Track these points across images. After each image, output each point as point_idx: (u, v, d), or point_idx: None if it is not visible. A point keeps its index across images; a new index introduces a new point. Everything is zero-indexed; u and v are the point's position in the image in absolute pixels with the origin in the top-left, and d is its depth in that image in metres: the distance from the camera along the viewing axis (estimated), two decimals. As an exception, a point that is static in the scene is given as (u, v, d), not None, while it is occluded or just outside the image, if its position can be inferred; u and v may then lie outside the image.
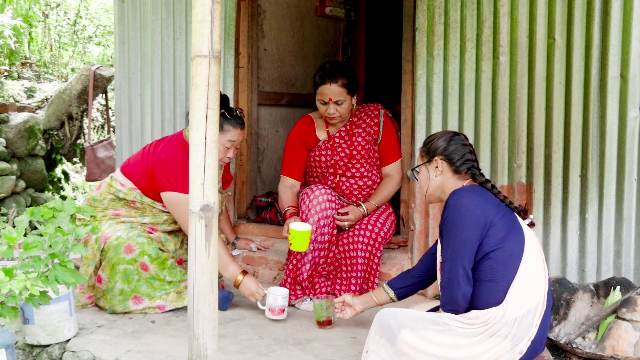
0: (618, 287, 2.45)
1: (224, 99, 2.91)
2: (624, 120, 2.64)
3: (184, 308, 2.89)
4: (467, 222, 2.01)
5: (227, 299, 2.94)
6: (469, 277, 2.02)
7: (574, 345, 2.33)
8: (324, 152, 3.26)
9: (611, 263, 2.72)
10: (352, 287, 3.02)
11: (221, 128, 2.86)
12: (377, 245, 3.06)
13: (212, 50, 1.82)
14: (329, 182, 3.26)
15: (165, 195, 2.89)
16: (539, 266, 2.05)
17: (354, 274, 3.04)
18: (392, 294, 2.49)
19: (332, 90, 3.07)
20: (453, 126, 3.01)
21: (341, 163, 3.23)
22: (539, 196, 2.83)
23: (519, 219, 2.13)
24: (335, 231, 3.09)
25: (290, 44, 4.31)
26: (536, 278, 2.02)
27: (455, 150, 2.19)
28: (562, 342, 2.36)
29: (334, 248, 3.10)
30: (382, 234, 3.09)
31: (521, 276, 2.00)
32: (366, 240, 3.05)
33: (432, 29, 3.03)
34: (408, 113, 3.28)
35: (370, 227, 3.07)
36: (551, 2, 2.74)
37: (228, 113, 2.92)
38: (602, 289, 2.52)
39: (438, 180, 2.21)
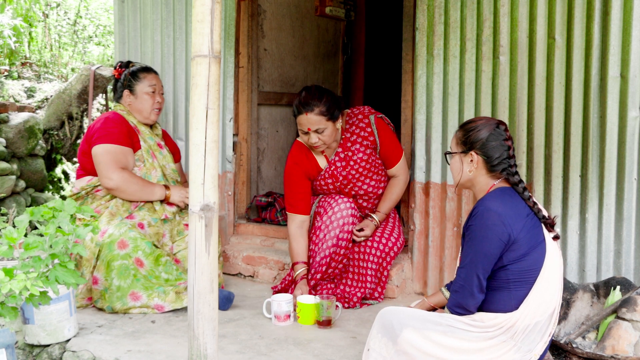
0: (618, 287, 2.45)
1: (127, 62, 3.29)
2: (624, 120, 2.63)
3: (184, 308, 2.88)
4: (491, 236, 1.97)
5: (228, 299, 2.94)
6: (482, 287, 2.01)
7: (574, 345, 2.33)
8: (329, 181, 3.12)
9: (611, 263, 2.71)
10: (359, 294, 3.02)
11: (137, 78, 3.18)
12: (388, 259, 3.05)
13: (212, 50, 1.82)
14: None
15: (92, 151, 3.03)
16: (555, 282, 2.03)
17: (360, 284, 3.03)
18: (447, 294, 2.38)
19: (310, 120, 2.90)
20: (453, 126, 3.00)
21: (350, 186, 3.12)
22: (539, 196, 2.83)
23: (545, 230, 2.07)
24: (350, 244, 3.05)
25: (290, 43, 4.31)
26: (550, 294, 2.01)
27: (494, 147, 2.08)
28: (562, 342, 2.36)
29: (345, 260, 3.09)
30: (395, 248, 3.07)
31: (535, 291, 1.99)
32: (379, 253, 3.03)
33: (432, 28, 3.03)
34: (408, 113, 3.28)
35: (384, 241, 3.05)
36: (551, 2, 2.74)
37: (135, 65, 3.25)
38: (602, 288, 2.52)
39: (471, 174, 2.14)
